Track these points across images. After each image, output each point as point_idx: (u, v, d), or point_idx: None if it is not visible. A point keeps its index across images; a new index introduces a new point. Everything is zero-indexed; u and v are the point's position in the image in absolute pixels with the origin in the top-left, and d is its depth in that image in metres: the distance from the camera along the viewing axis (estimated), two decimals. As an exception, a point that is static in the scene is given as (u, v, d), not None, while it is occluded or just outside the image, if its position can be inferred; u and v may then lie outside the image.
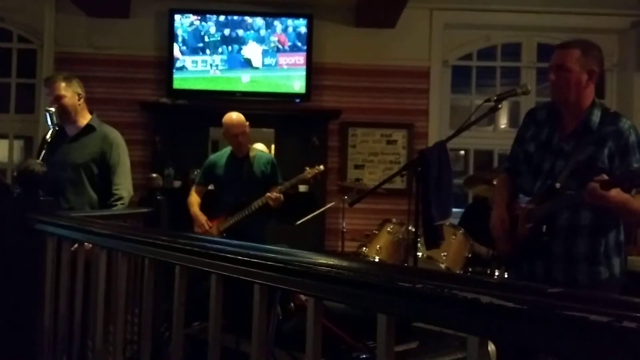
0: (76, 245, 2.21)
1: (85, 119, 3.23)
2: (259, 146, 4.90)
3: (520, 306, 0.74)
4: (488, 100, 2.81)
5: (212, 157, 4.47)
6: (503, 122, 6.90)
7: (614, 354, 0.65)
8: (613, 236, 2.33)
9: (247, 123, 4.17)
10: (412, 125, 5.91)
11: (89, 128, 3.20)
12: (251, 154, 4.24)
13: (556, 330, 0.70)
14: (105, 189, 3.11)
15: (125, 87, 5.84)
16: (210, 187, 4.40)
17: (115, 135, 3.21)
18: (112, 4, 5.73)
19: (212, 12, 5.80)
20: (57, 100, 3.14)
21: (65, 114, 3.17)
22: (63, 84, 3.15)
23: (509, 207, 2.52)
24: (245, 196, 4.09)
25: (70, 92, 3.16)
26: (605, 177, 2.10)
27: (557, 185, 2.30)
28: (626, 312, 0.64)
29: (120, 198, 3.08)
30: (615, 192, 2.08)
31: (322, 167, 4.20)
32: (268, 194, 3.99)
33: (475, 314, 0.79)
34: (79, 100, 3.20)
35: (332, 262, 1.04)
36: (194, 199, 4.29)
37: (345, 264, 1.02)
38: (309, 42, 5.74)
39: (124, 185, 3.13)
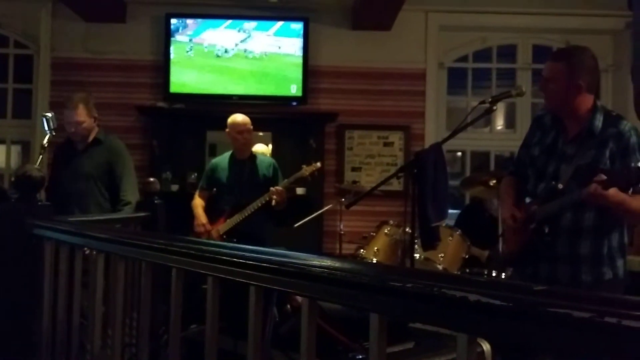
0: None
1: (92, 133, 3.49)
2: (260, 146, 4.90)
3: (506, 304, 0.76)
4: (483, 102, 2.84)
5: (214, 160, 4.45)
6: (499, 123, 6.93)
7: (596, 348, 0.67)
8: (616, 238, 2.33)
9: (252, 125, 4.19)
10: (408, 127, 5.93)
11: (97, 141, 3.48)
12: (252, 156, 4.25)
13: (541, 326, 0.72)
14: (114, 196, 3.42)
15: (122, 91, 5.86)
16: (214, 190, 4.37)
17: (122, 148, 3.55)
18: (109, 9, 5.75)
19: (207, 16, 5.82)
20: (77, 125, 3.38)
21: (81, 137, 3.44)
22: (84, 110, 3.39)
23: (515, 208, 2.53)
24: (245, 199, 4.07)
25: (89, 117, 3.43)
26: (603, 177, 2.12)
27: (560, 186, 2.32)
28: (607, 308, 0.66)
29: (128, 203, 3.38)
30: (614, 192, 2.09)
31: (318, 164, 4.19)
32: (272, 188, 3.97)
33: (464, 311, 0.81)
34: (94, 122, 3.47)
35: (325, 263, 1.06)
36: (198, 202, 4.29)
37: (338, 264, 1.04)
38: (306, 45, 5.76)
39: (131, 191, 3.44)
